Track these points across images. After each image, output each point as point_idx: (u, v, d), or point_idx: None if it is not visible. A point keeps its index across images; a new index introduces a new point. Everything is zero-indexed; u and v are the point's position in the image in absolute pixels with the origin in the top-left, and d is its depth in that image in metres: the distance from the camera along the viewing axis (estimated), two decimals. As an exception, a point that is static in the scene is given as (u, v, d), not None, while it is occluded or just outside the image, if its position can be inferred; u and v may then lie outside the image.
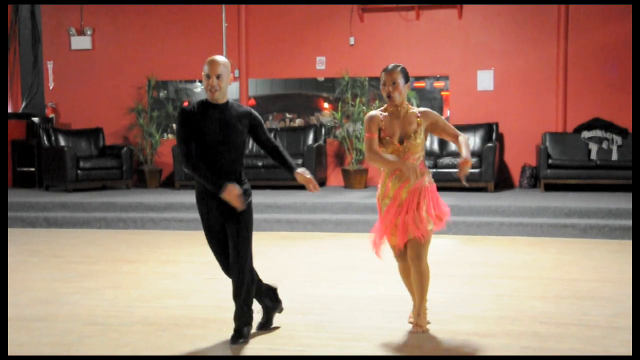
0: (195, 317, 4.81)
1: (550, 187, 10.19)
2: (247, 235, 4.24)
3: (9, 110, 12.36)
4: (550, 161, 10.09)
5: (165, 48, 11.83)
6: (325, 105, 11.79)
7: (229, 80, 4.22)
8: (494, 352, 4.17)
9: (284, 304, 4.78)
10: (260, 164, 10.60)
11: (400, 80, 4.30)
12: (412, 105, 4.56)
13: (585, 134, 10.35)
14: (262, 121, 4.38)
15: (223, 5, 11.52)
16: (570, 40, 10.69)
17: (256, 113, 4.38)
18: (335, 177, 11.39)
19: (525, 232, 8.27)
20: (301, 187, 10.24)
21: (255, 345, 4.31)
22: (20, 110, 12.24)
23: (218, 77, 4.15)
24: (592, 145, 10.27)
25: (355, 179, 10.73)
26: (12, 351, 4.23)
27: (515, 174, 10.96)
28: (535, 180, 10.61)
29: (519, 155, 10.91)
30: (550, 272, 6.39)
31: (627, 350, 4.14)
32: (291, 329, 4.64)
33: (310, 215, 8.95)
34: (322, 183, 11.17)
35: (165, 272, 6.47)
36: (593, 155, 10.20)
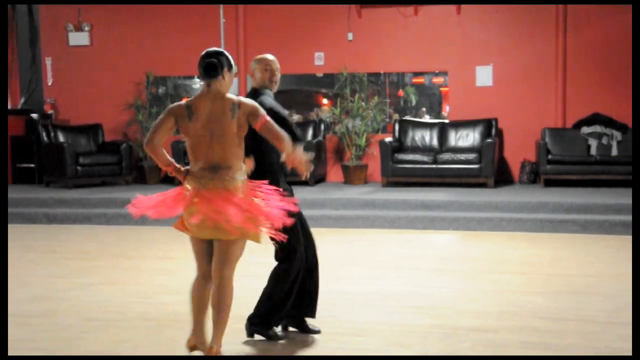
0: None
1: (550, 183, 10.18)
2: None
3: (8, 106, 12.33)
4: (549, 157, 10.08)
5: (164, 44, 11.80)
6: (324, 101, 11.77)
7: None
8: (494, 347, 4.17)
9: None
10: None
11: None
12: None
13: (585, 130, 10.35)
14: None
15: (221, 5, 11.44)
16: (569, 35, 10.67)
17: None
18: (335, 173, 11.38)
19: (525, 228, 8.27)
20: (300, 183, 10.27)
21: (260, 344, 4.30)
22: (19, 107, 12.21)
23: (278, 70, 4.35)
24: (591, 141, 10.26)
25: (355, 175, 10.73)
26: (11, 347, 4.23)
27: (515, 169, 10.95)
28: (535, 175, 10.61)
29: (518, 151, 10.90)
30: (549, 267, 6.39)
31: (626, 346, 4.14)
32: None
33: (309, 210, 8.92)
34: (321, 179, 11.16)
35: (165, 268, 6.47)
36: (593, 151, 10.19)
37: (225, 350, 3.95)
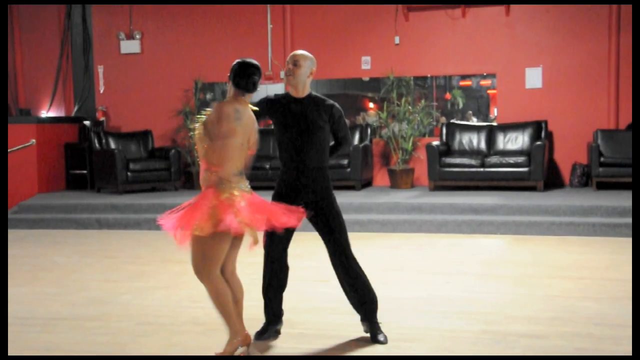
0: (243, 317, 4.84)
1: (602, 186, 9.95)
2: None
3: (62, 114, 12.68)
4: (602, 159, 9.85)
5: (212, 50, 11.96)
6: (371, 105, 11.75)
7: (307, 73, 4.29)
8: (546, 353, 4.09)
9: (333, 304, 4.78)
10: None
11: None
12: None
13: (639, 131, 10.08)
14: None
15: (268, 6, 11.59)
16: (622, 35, 10.42)
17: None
18: (381, 177, 11.35)
19: (577, 232, 8.10)
20: (347, 188, 10.26)
21: (301, 345, 4.32)
22: (72, 114, 12.54)
23: (295, 64, 4.28)
24: (646, 143, 9.98)
25: (401, 179, 10.67)
26: (68, 350, 4.34)
27: (566, 172, 10.74)
28: (586, 178, 10.38)
29: (569, 154, 10.68)
30: (603, 272, 6.24)
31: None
32: (340, 329, 4.63)
33: (356, 215, 8.94)
34: (368, 183, 11.14)
35: (214, 273, 6.53)
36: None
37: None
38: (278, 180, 4.42)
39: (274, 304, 4.45)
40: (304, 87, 4.33)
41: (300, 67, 4.28)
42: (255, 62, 4.01)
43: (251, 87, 3.96)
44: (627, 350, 4.10)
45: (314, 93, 4.38)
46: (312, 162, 4.29)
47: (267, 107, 4.36)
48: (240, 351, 4.00)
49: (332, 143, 4.53)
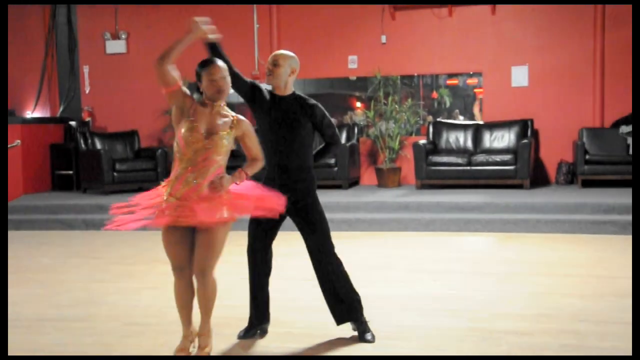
0: (231, 316, 4.84)
1: (587, 183, 10.03)
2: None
3: (48, 114, 12.60)
4: (587, 157, 9.93)
5: (198, 50, 11.88)
6: (358, 104, 11.77)
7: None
8: (532, 350, 4.12)
9: (320, 303, 4.76)
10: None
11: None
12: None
13: (624, 129, 10.16)
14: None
15: (254, 6, 11.58)
16: (607, 33, 10.51)
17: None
18: (368, 176, 11.37)
19: (563, 229, 8.16)
20: (334, 187, 10.27)
21: (286, 345, 4.32)
22: (58, 115, 12.46)
23: (274, 64, 4.29)
24: (630, 140, 10.07)
25: (388, 178, 10.70)
26: (55, 351, 4.32)
27: (552, 170, 10.81)
28: (572, 176, 10.45)
29: (555, 152, 10.76)
30: (589, 269, 6.29)
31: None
32: (327, 328, 4.63)
33: (344, 214, 8.95)
34: (355, 182, 11.16)
35: (202, 272, 6.52)
36: (632, 151, 10.00)
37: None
38: (263, 180, 4.42)
39: (258, 302, 4.44)
40: (286, 87, 4.31)
41: (280, 67, 4.27)
42: (208, 59, 4.21)
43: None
44: (612, 346, 4.14)
45: (297, 93, 4.37)
46: (294, 161, 4.28)
47: (255, 90, 4.32)
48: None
49: (321, 146, 4.51)
